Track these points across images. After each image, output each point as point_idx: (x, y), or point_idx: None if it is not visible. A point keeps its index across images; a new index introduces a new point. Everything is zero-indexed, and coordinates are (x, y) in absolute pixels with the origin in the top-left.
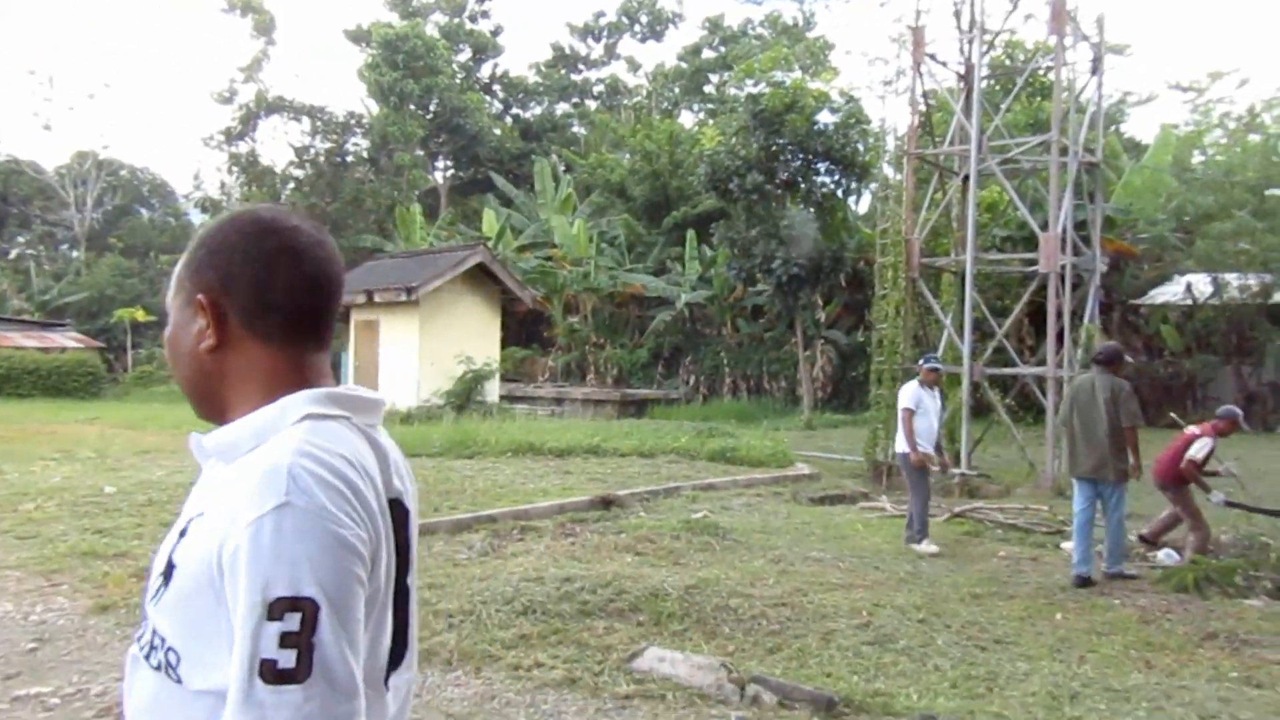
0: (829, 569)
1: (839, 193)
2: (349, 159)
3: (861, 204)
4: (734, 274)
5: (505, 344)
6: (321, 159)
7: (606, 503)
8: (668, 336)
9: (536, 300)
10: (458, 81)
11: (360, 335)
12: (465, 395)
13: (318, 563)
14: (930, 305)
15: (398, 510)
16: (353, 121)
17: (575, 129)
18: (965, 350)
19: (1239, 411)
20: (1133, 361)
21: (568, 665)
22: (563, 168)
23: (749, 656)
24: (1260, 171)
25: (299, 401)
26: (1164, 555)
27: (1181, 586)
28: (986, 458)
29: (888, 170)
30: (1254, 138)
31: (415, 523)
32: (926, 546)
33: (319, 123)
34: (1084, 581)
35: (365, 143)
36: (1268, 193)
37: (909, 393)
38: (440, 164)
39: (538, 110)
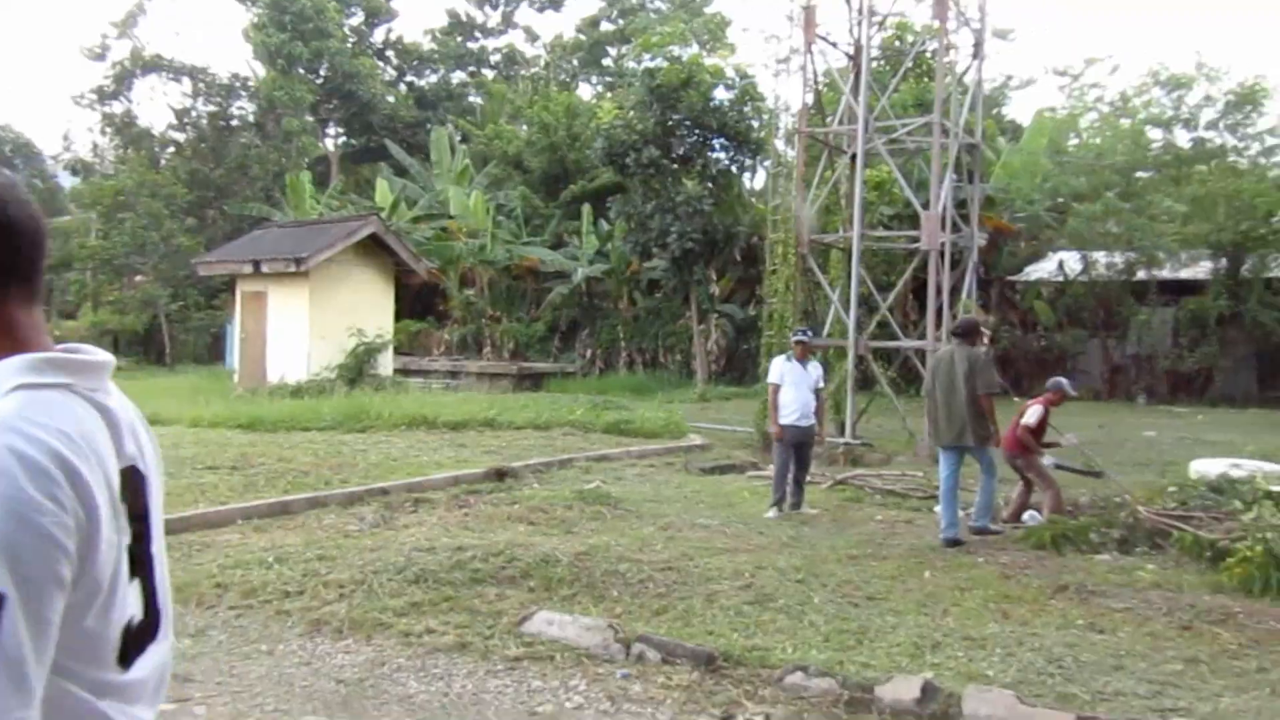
0: (715, 535)
1: (733, 169)
2: (234, 123)
3: (756, 180)
4: (630, 248)
5: (399, 317)
6: (204, 122)
7: (500, 474)
8: (564, 310)
9: (431, 272)
10: (349, 46)
11: (247, 307)
12: (357, 368)
13: (13, 554)
14: (819, 281)
15: (133, 477)
16: (238, 84)
17: (472, 99)
18: (851, 324)
19: (1065, 382)
20: (986, 332)
21: (459, 631)
22: (459, 138)
23: (636, 618)
24: (1129, 155)
25: (10, 369)
26: (1028, 517)
27: (1040, 544)
28: (870, 427)
29: (781, 147)
30: (1124, 122)
31: (155, 487)
32: (771, 512)
33: (201, 84)
34: (952, 543)
35: (251, 106)
36: (1135, 175)
37: (775, 368)
38: (331, 131)
39: (433, 78)
